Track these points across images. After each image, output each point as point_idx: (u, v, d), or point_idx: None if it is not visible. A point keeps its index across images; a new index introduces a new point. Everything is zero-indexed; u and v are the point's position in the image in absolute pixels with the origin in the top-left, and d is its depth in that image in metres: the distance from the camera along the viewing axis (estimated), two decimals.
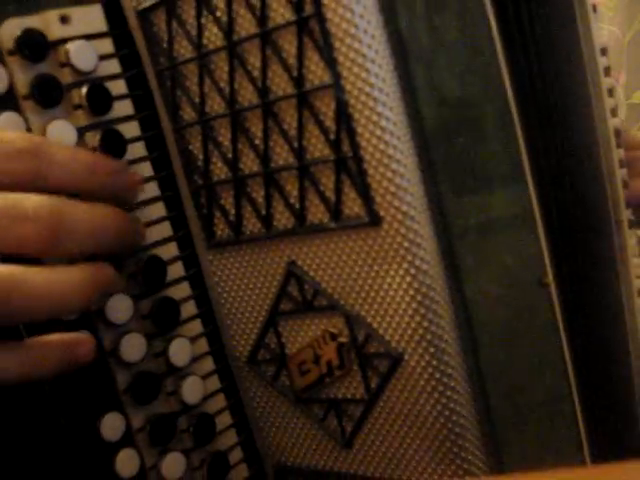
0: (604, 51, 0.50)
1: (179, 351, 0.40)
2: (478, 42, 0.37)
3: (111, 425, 0.39)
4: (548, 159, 0.42)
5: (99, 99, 0.38)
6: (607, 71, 0.49)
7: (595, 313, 0.44)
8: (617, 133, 0.50)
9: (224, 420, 0.43)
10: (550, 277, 0.41)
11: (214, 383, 0.43)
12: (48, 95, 0.37)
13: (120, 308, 0.39)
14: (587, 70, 0.46)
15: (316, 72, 0.34)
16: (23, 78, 0.36)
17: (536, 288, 0.40)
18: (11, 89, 0.36)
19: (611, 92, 0.49)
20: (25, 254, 0.32)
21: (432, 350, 0.35)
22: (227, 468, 0.42)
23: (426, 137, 0.35)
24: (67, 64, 0.37)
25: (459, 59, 0.36)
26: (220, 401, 0.43)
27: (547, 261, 0.40)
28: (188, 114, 0.39)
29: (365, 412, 0.39)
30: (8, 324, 0.32)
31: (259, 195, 0.38)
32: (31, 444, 0.39)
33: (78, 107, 0.38)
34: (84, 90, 0.37)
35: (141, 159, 0.40)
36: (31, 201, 0.32)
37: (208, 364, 0.42)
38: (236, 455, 0.44)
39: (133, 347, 0.39)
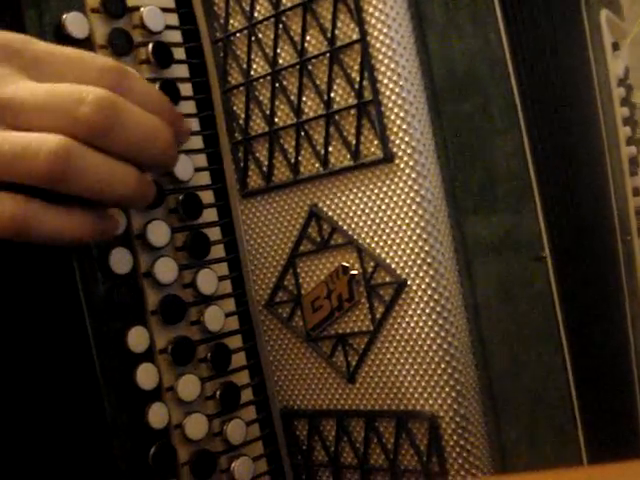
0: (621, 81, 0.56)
1: (206, 281, 0.45)
2: (485, 31, 0.44)
3: (137, 338, 0.43)
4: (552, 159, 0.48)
5: (162, 55, 0.45)
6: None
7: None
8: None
9: (239, 360, 0.47)
10: (547, 252, 0.45)
11: (233, 324, 0.47)
12: (121, 45, 0.44)
13: (159, 233, 0.44)
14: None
15: (346, 32, 0.41)
16: (102, 30, 0.44)
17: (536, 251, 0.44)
18: (89, 39, 0.44)
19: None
20: (77, 137, 0.36)
21: (432, 272, 0.40)
22: (238, 402, 0.46)
23: (436, 92, 0.41)
24: (139, 25, 0.45)
25: (468, 41, 0.43)
26: (237, 342, 0.47)
27: (544, 236, 0.45)
28: (235, 78, 0.46)
29: (369, 343, 0.42)
30: (62, 188, 0.37)
31: (290, 145, 0.44)
32: (64, 345, 0.43)
33: (144, 62, 0.45)
34: (150, 46, 0.44)
35: (191, 116, 0.46)
36: (94, 89, 0.37)
37: (230, 305, 0.47)
38: (246, 396, 0.47)
39: (166, 270, 0.44)
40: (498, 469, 0.40)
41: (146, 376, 0.43)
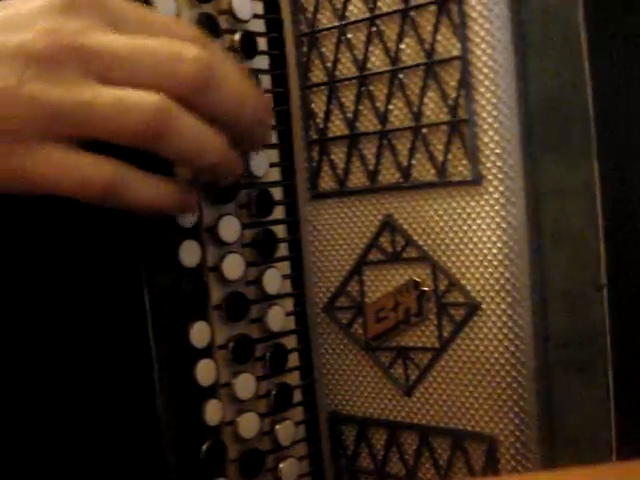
0: None
1: (272, 280, 0.44)
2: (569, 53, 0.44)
3: (199, 333, 0.42)
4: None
5: (248, 45, 0.44)
6: None
7: None
8: None
9: (292, 361, 0.46)
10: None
11: (290, 324, 0.46)
12: (207, 31, 0.42)
13: (230, 228, 0.43)
14: None
15: (446, 46, 0.40)
16: (188, 14, 0.42)
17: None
18: None
19: None
20: (174, 94, 0.35)
21: (509, 300, 0.40)
22: (290, 403, 0.45)
23: (531, 112, 0.40)
24: (227, 11, 0.43)
25: (556, 61, 0.42)
26: (292, 342, 0.46)
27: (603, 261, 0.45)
28: (316, 76, 0.45)
29: (432, 360, 0.42)
30: (156, 149, 0.36)
31: (370, 152, 0.44)
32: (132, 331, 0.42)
33: (229, 49, 0.43)
34: (238, 36, 0.43)
35: None
36: (192, 49, 0.36)
37: (288, 305, 0.46)
38: (295, 397, 0.47)
39: (233, 267, 0.43)
40: None
41: (205, 372, 0.42)
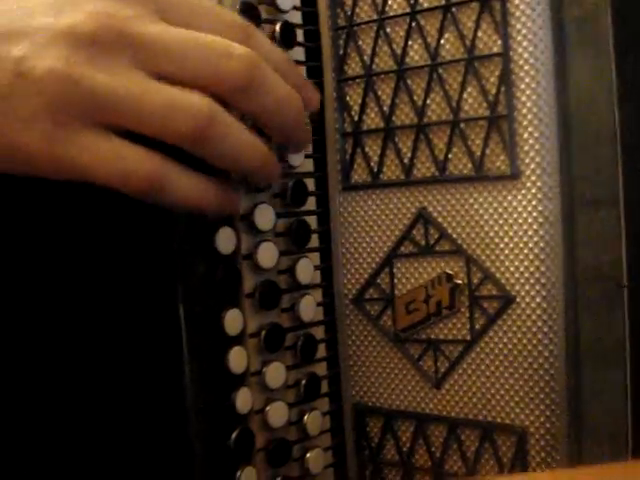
0: None
1: (305, 270, 0.45)
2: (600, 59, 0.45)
3: (233, 320, 0.42)
4: None
5: (288, 36, 0.44)
6: None
7: None
8: None
9: (319, 352, 0.47)
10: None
11: (318, 315, 0.47)
12: (248, 20, 0.42)
13: (265, 217, 0.43)
14: None
15: (487, 43, 0.41)
16: (231, 1, 0.42)
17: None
18: None
19: None
20: (219, 92, 0.35)
21: (544, 293, 0.40)
22: (318, 393, 0.46)
23: (570, 114, 0.41)
24: (267, 2, 0.43)
25: (590, 61, 0.43)
26: (319, 333, 0.47)
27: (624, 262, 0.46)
28: (352, 69, 0.45)
29: (463, 352, 0.43)
30: (200, 151, 0.36)
31: (405, 146, 0.44)
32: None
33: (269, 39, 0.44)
34: (279, 25, 0.43)
35: None
36: (239, 47, 0.36)
37: (317, 295, 0.46)
38: (322, 388, 0.47)
39: (267, 255, 0.43)
40: None
41: (237, 359, 0.42)
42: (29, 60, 0.34)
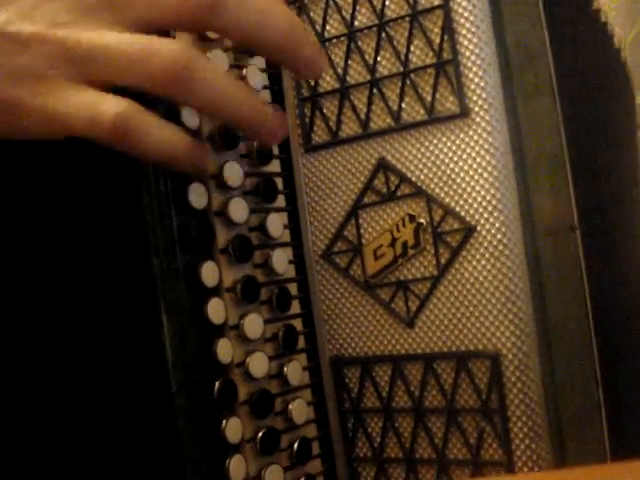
0: None
1: (275, 224, 0.46)
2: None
3: (209, 272, 0.43)
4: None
5: None
6: None
7: None
8: None
9: (293, 309, 0.48)
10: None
11: (290, 272, 0.48)
12: None
13: (233, 174, 0.45)
14: None
15: None
16: None
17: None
18: None
19: None
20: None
21: (502, 218, 0.43)
22: (296, 345, 0.47)
23: (508, 59, 0.45)
24: None
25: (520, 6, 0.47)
26: (293, 290, 0.48)
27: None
28: None
29: (432, 288, 0.45)
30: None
31: (360, 102, 0.47)
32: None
33: None
34: None
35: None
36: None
37: (288, 254, 0.48)
38: (299, 344, 0.48)
39: (238, 210, 0.45)
40: (551, 406, 0.43)
41: (216, 310, 0.43)
42: (15, 24, 0.37)
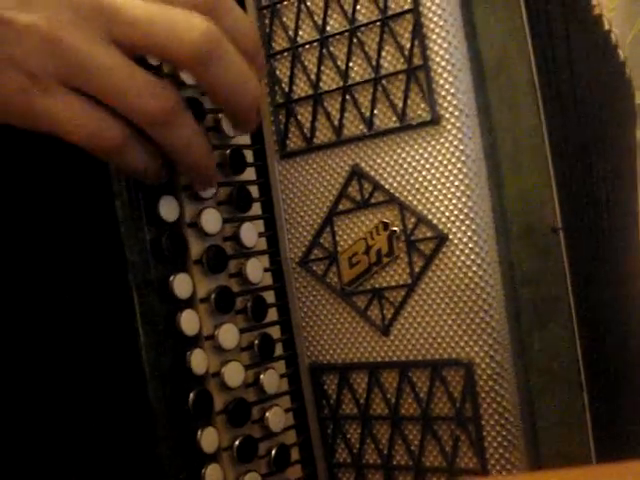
0: None
1: (248, 234, 0.46)
2: None
3: (182, 284, 0.44)
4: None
5: None
6: None
7: None
8: None
9: (271, 316, 0.48)
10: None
11: (267, 280, 0.48)
12: None
13: None
14: None
15: (398, 2, 0.44)
16: None
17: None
18: None
19: None
20: (178, 61, 0.38)
21: (474, 227, 0.42)
22: (272, 353, 0.47)
23: (480, 63, 0.44)
24: None
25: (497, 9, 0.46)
26: (270, 298, 0.48)
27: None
28: (279, 44, 0.48)
29: (406, 296, 0.45)
30: (157, 133, 0.38)
31: (334, 108, 0.46)
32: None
33: None
34: None
35: None
36: (201, 22, 0.37)
37: (264, 262, 0.48)
38: (277, 351, 0.48)
39: (211, 221, 0.45)
40: (525, 415, 0.43)
41: (189, 322, 0.44)
42: (13, 11, 0.36)
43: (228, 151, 0.46)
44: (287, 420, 0.48)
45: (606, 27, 0.60)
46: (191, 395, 0.43)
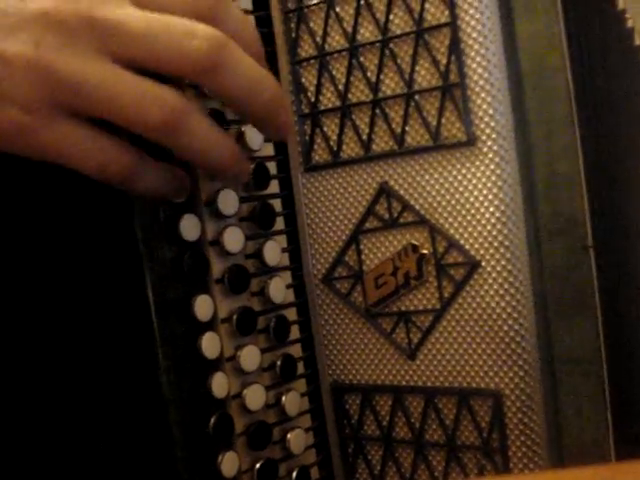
0: None
1: (272, 252, 0.45)
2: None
3: (203, 306, 0.42)
4: None
5: None
6: None
7: None
8: None
9: (293, 333, 0.47)
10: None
11: (289, 297, 0.47)
12: None
13: (228, 201, 0.43)
14: None
15: (435, 14, 0.42)
16: None
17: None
18: None
19: None
20: (185, 74, 0.36)
21: (508, 255, 0.41)
22: (295, 374, 0.46)
23: (521, 75, 0.42)
24: None
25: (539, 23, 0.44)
26: (292, 315, 0.47)
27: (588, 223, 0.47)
28: (306, 51, 0.46)
29: (434, 321, 0.43)
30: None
31: (362, 122, 0.44)
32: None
33: None
34: None
35: None
36: (203, 28, 0.35)
37: (287, 278, 0.47)
38: (298, 370, 0.47)
39: (233, 240, 0.43)
40: (554, 447, 0.42)
41: (210, 345, 0.42)
42: None
43: (252, 166, 0.44)
44: (307, 439, 0.47)
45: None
46: (212, 419, 0.42)
